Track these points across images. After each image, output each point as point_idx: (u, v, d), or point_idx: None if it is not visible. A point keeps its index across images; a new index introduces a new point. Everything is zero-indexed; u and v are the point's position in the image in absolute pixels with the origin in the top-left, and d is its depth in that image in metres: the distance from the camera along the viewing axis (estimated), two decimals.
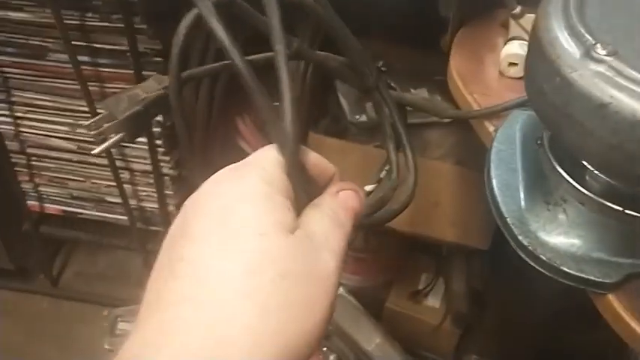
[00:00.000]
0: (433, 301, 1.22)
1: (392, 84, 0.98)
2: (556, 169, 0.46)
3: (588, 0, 0.42)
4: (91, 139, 1.07)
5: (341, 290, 1.20)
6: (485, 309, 1.12)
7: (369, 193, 0.49)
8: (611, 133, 0.37)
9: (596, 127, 0.37)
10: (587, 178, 0.44)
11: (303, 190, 0.33)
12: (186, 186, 1.19)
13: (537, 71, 0.41)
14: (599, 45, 0.37)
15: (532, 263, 0.46)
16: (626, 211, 0.43)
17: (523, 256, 0.46)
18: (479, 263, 1.11)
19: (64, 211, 1.26)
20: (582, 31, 0.39)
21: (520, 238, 0.46)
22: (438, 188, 0.96)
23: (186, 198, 0.32)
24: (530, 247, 0.46)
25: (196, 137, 1.02)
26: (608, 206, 0.43)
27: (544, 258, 0.45)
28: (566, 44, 0.39)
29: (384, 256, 1.20)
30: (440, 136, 1.01)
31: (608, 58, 0.37)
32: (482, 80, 0.61)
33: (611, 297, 0.44)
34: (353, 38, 0.43)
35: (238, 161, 0.33)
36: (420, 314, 1.19)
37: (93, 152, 0.45)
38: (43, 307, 1.39)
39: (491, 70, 0.62)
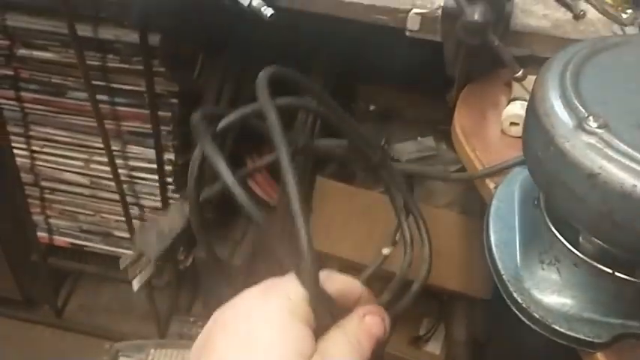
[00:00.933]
0: (433, 347, 1.23)
1: (394, 157, 1.01)
2: (551, 230, 0.47)
3: (584, 72, 0.44)
4: (105, 175, 1.10)
5: None
6: (486, 358, 1.12)
7: (385, 257, 0.50)
8: (600, 201, 0.39)
9: (586, 195, 0.39)
10: (580, 240, 0.46)
11: (328, 313, 0.34)
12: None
13: (533, 138, 0.43)
14: (591, 117, 0.40)
15: (525, 320, 0.47)
16: (617, 274, 0.44)
17: (517, 312, 0.48)
18: (481, 311, 1.11)
19: (72, 243, 1.29)
20: (576, 102, 0.41)
21: (515, 295, 0.48)
22: (442, 236, 0.97)
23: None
24: (524, 305, 0.47)
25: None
26: (600, 269, 0.45)
27: (537, 316, 0.46)
28: (560, 115, 0.41)
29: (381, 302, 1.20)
30: (445, 184, 1.04)
31: (599, 131, 0.39)
32: (485, 137, 0.63)
33: (600, 355, 0.46)
34: (352, 122, 0.45)
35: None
36: None
37: (134, 289, 0.47)
38: (46, 337, 1.40)
39: (493, 127, 0.64)
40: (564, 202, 0.42)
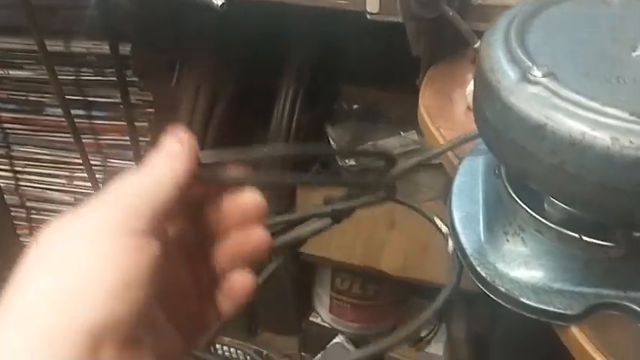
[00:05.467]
0: (436, 348, 1.19)
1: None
2: (513, 198, 0.45)
3: (531, 26, 0.42)
4: (89, 191, 1.08)
5: (339, 339, 1.18)
6: (487, 355, 1.08)
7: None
8: (550, 153, 0.36)
9: (536, 150, 0.36)
10: (545, 206, 0.43)
11: None
12: None
13: (481, 98, 0.41)
14: (535, 67, 0.37)
15: (491, 295, 0.44)
16: (584, 238, 0.41)
17: (482, 288, 0.45)
18: (480, 306, 1.08)
19: None
20: (521, 55, 0.39)
21: (478, 269, 0.45)
22: (429, 231, 0.94)
23: None
24: (488, 279, 0.44)
25: None
26: (566, 234, 0.42)
27: (502, 289, 0.43)
28: (505, 69, 0.39)
29: (382, 303, 1.17)
30: (431, 178, 1.01)
31: (543, 80, 0.37)
32: (450, 115, 0.60)
33: (574, 329, 0.42)
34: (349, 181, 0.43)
35: None
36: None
37: None
38: None
39: (459, 106, 0.61)
40: (516, 162, 0.39)
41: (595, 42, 0.41)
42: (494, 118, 0.39)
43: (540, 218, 0.43)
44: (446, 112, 0.61)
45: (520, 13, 0.43)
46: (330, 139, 1.05)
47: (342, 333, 1.22)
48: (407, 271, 0.99)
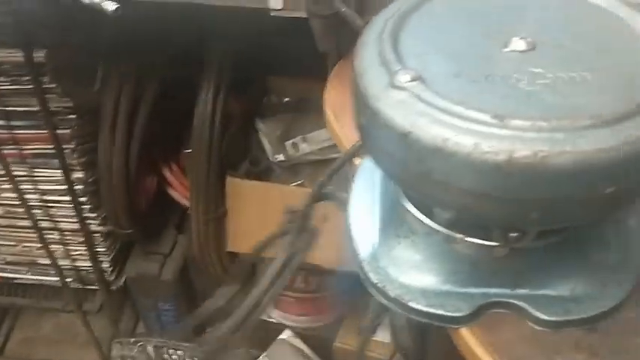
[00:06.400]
0: (383, 336, 1.19)
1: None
2: (403, 202, 0.44)
3: (406, 25, 0.41)
4: (18, 202, 1.04)
5: (285, 335, 1.17)
6: (427, 340, 1.09)
7: None
8: (417, 162, 0.35)
9: (404, 158, 0.35)
10: (433, 209, 0.43)
11: None
12: (118, 241, 1.16)
13: (355, 104, 0.40)
14: (402, 72, 0.36)
15: (382, 300, 0.43)
16: (468, 239, 0.41)
17: (374, 293, 0.44)
18: None
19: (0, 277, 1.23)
20: (391, 58, 0.38)
21: (370, 275, 0.44)
22: None
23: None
24: (379, 285, 0.43)
25: (118, 191, 1.00)
26: (452, 236, 0.41)
27: (393, 295, 0.43)
28: (373, 73, 0.37)
29: (326, 295, 1.17)
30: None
31: (410, 85, 0.35)
32: None
33: (464, 331, 0.42)
34: None
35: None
36: (371, 350, 1.16)
37: None
38: None
39: None
40: (388, 169, 0.38)
41: (470, 39, 0.40)
42: (366, 125, 0.38)
43: (428, 220, 0.42)
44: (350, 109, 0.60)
45: (398, 9, 0.42)
46: (260, 134, 1.03)
47: (290, 328, 1.21)
48: (340, 263, 0.99)
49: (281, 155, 0.97)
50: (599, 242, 0.43)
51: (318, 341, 1.22)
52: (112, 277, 1.19)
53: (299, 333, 1.21)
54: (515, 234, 0.38)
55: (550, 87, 0.35)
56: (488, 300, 0.42)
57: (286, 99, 1.09)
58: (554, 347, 0.41)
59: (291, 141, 0.97)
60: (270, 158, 0.99)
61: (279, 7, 0.63)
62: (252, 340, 1.28)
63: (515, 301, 0.42)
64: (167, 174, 1.09)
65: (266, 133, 1.03)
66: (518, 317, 0.42)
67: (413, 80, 0.36)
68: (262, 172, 0.99)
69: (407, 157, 0.35)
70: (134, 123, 0.97)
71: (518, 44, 0.38)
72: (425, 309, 0.42)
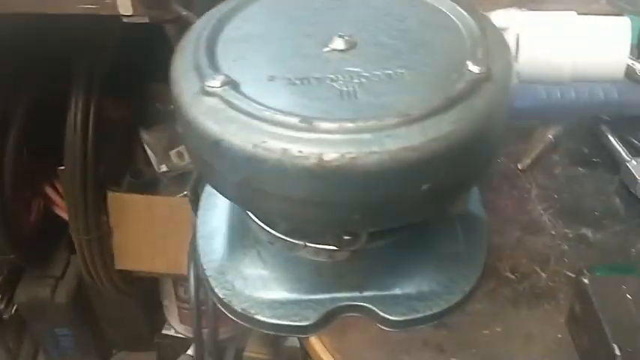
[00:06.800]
0: (293, 341, 1.18)
1: None
2: (247, 212, 0.42)
3: (225, 28, 0.39)
4: None
5: (192, 350, 1.14)
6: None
7: None
8: (232, 171, 0.33)
9: (220, 167, 0.34)
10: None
11: None
12: (4, 268, 1.09)
13: (174, 112, 0.37)
14: (213, 77, 0.34)
15: (230, 315, 0.42)
16: (309, 245, 0.40)
17: (222, 309, 0.42)
18: None
19: None
20: (205, 63, 0.36)
21: (216, 290, 0.42)
22: None
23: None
24: (225, 299, 0.41)
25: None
26: (293, 243, 0.40)
27: (238, 309, 0.41)
28: (186, 79, 0.35)
29: None
30: None
31: (220, 90, 0.34)
32: None
33: (314, 340, 0.41)
34: None
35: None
36: (281, 356, 1.15)
37: None
38: None
39: None
40: (210, 180, 0.36)
41: (290, 41, 0.38)
42: (183, 135, 0.36)
43: (269, 229, 0.41)
44: None
45: (218, 13, 0.40)
46: (146, 145, 0.99)
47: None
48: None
49: (164, 166, 0.93)
50: (446, 237, 0.43)
51: (230, 353, 1.19)
52: (2, 306, 1.11)
53: (206, 347, 1.18)
54: (347, 237, 0.37)
55: (364, 86, 0.34)
56: (337, 305, 0.41)
57: (172, 106, 1.05)
58: (402, 347, 0.40)
59: (175, 150, 0.94)
60: (156, 169, 0.96)
61: (130, 13, 0.60)
62: (161, 357, 1.24)
63: (363, 304, 0.41)
64: (50, 192, 1.03)
65: (151, 143, 0.99)
66: (368, 320, 0.41)
67: (223, 85, 0.34)
68: (148, 184, 0.95)
69: (222, 166, 0.34)
70: (7, 136, 0.91)
71: (337, 43, 0.37)
72: (270, 321, 0.40)
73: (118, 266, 0.96)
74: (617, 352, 0.34)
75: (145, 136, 1.00)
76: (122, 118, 0.97)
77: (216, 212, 0.47)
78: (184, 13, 0.52)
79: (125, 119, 0.98)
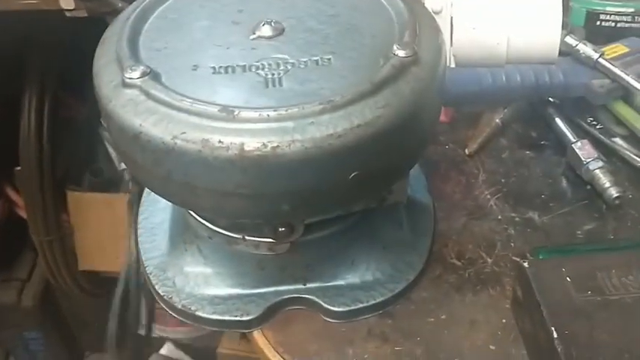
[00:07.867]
0: None
1: None
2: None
3: (148, 20, 0.38)
4: None
5: (166, 349, 1.13)
6: None
7: None
8: (154, 164, 0.32)
9: (143, 161, 0.33)
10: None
11: None
12: None
13: (100, 107, 0.36)
14: (133, 67, 0.33)
15: (170, 312, 0.41)
16: (247, 238, 0.39)
17: (163, 306, 0.41)
18: None
19: None
20: (126, 54, 0.34)
21: (157, 287, 0.41)
22: None
23: None
24: (165, 296, 0.41)
25: None
26: (231, 237, 0.39)
27: (179, 306, 0.40)
28: (108, 72, 0.34)
29: None
30: None
31: (139, 81, 0.33)
32: None
33: (257, 335, 0.40)
34: None
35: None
36: (255, 352, 1.14)
37: None
38: None
39: None
40: (136, 174, 0.35)
41: (217, 30, 0.37)
42: (108, 129, 0.35)
43: (207, 223, 0.40)
44: None
45: (143, 2, 0.38)
46: (107, 144, 0.97)
47: (171, 340, 1.17)
48: None
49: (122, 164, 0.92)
50: (390, 225, 0.43)
51: (201, 350, 1.18)
52: None
53: (180, 344, 1.17)
54: (282, 229, 0.36)
55: (290, 73, 0.33)
56: (280, 298, 0.40)
57: None
58: (346, 338, 0.39)
59: None
60: (118, 167, 0.94)
61: (72, 7, 0.59)
62: (136, 357, 1.22)
63: (306, 296, 0.40)
64: (11, 194, 1.00)
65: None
66: (312, 312, 0.40)
67: (143, 76, 0.33)
68: (109, 182, 0.93)
69: (145, 160, 0.32)
70: None
71: (264, 30, 0.36)
72: (212, 317, 0.39)
73: (82, 267, 0.95)
74: (555, 334, 0.34)
75: (106, 133, 0.98)
76: (81, 116, 0.95)
77: (158, 207, 0.46)
78: (120, 5, 0.51)
79: (84, 117, 0.95)
